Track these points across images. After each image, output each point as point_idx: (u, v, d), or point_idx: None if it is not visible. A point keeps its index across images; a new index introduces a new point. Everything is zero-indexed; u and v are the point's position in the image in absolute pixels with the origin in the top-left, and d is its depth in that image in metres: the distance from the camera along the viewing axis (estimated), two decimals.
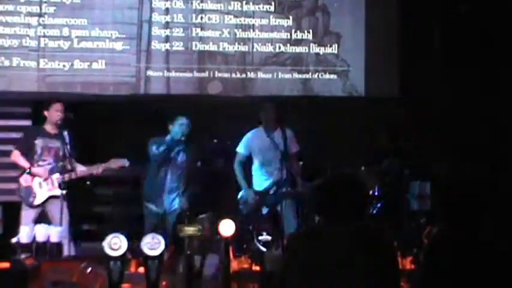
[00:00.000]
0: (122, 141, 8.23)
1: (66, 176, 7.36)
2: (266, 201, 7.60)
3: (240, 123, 8.11)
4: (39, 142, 7.41)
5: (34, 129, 7.63)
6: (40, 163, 7.39)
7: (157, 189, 7.58)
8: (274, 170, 7.58)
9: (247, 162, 7.82)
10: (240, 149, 7.77)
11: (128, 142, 8.03)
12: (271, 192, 7.60)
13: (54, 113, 7.41)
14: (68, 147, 7.37)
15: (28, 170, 7.33)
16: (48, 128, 7.47)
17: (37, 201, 7.35)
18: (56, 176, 7.33)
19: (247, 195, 7.64)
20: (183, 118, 7.59)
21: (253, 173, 7.80)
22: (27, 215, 7.32)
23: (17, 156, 7.43)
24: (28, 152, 7.42)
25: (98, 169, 7.46)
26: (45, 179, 7.35)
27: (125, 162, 7.48)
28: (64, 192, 7.26)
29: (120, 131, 8.45)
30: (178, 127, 7.53)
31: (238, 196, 7.74)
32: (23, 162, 7.38)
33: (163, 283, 6.21)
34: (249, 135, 7.77)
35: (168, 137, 7.56)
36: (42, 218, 7.34)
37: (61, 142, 7.38)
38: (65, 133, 7.41)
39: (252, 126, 7.91)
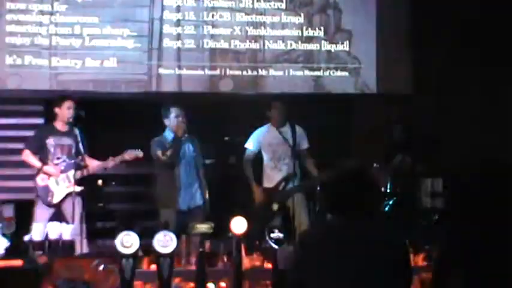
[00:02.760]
0: (133, 139, 8.24)
1: (82, 172, 7.38)
2: (276, 198, 7.59)
3: (252, 120, 8.10)
4: (50, 140, 7.42)
5: (45, 128, 7.64)
6: (55, 161, 7.41)
7: (172, 188, 7.41)
8: (283, 166, 7.57)
9: (256, 158, 7.79)
10: (249, 145, 7.74)
11: (140, 140, 8.03)
12: (280, 188, 7.59)
13: (66, 111, 7.42)
14: (80, 143, 7.38)
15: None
16: (59, 125, 7.48)
17: (55, 200, 7.37)
18: (72, 173, 7.34)
19: (256, 193, 7.63)
20: (177, 109, 7.44)
21: (263, 169, 7.78)
22: (41, 213, 7.34)
23: (27, 156, 7.43)
24: (40, 151, 7.43)
25: (112, 162, 7.46)
26: (62, 176, 7.37)
27: (139, 153, 7.48)
28: (80, 189, 7.30)
29: (132, 129, 8.46)
30: (174, 120, 7.37)
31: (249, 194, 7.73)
32: (34, 161, 7.40)
33: (176, 280, 6.23)
34: (258, 131, 7.76)
35: (168, 135, 7.47)
36: (57, 215, 7.36)
37: (73, 139, 7.39)
38: (76, 130, 7.41)
39: (264, 123, 7.89)
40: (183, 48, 9.01)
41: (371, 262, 3.20)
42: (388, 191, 7.94)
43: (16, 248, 6.85)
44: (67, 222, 7.16)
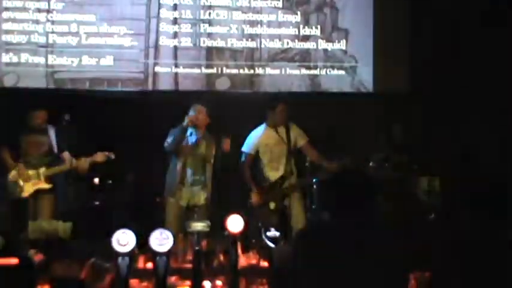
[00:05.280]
0: (130, 136, 8.24)
1: (53, 170, 7.42)
2: (272, 197, 7.59)
3: (249, 119, 8.09)
4: (24, 138, 7.44)
5: (20, 125, 7.62)
6: (27, 158, 7.43)
7: (177, 182, 7.36)
8: (280, 165, 7.57)
9: (253, 159, 7.77)
10: (247, 148, 7.72)
11: (136, 137, 8.03)
12: (278, 187, 7.58)
13: (36, 120, 7.46)
14: (54, 141, 7.42)
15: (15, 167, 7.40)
16: (34, 123, 7.49)
17: (23, 195, 7.38)
18: (43, 170, 7.39)
19: (253, 194, 7.62)
20: (198, 106, 7.40)
21: (260, 170, 7.78)
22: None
23: (4, 153, 7.45)
24: (14, 148, 7.45)
25: (83, 164, 7.43)
26: (32, 173, 7.39)
27: (110, 155, 7.49)
28: (49, 186, 7.35)
29: (129, 127, 8.46)
30: (191, 114, 7.33)
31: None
32: (9, 160, 7.41)
33: (172, 279, 6.22)
34: (254, 133, 7.74)
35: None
36: (32, 212, 7.37)
37: (48, 137, 7.42)
38: (51, 127, 7.46)
39: (261, 122, 7.87)
40: (179, 47, 9.02)
41: (367, 260, 3.20)
42: (386, 190, 7.92)
43: (12, 246, 6.83)
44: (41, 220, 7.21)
